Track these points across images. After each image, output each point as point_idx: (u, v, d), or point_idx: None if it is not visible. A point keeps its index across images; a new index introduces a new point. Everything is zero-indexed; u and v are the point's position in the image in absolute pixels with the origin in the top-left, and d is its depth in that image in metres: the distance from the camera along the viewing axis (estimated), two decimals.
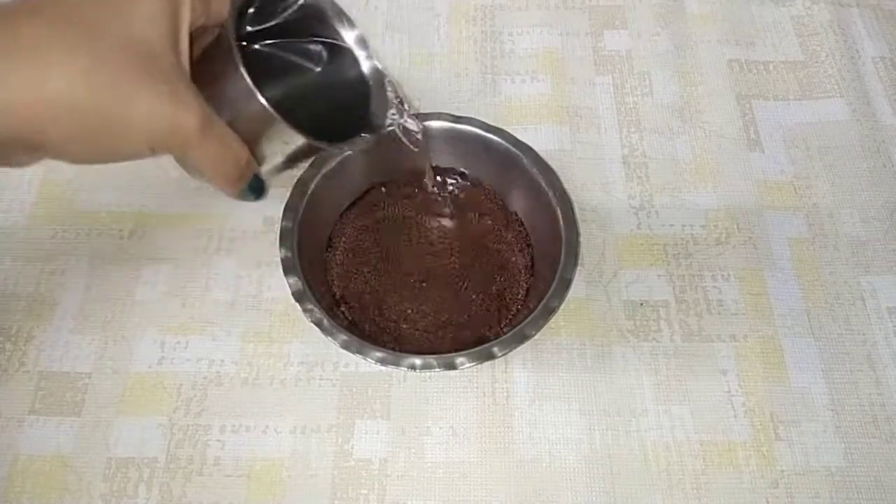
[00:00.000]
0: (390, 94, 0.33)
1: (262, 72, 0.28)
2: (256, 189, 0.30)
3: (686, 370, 0.38)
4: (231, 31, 0.26)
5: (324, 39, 0.32)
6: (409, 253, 0.41)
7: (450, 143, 0.40)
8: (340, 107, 0.33)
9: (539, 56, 0.49)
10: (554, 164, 0.38)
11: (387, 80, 0.33)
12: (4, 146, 0.23)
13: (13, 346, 0.38)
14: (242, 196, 0.30)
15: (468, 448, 0.36)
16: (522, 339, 0.33)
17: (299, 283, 0.34)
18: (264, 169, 0.30)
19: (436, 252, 0.41)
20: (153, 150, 0.25)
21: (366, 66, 0.33)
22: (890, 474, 0.36)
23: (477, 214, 0.42)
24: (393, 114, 0.33)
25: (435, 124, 0.40)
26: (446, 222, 0.42)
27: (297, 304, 0.34)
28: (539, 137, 0.45)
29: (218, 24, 0.27)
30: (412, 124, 0.35)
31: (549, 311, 0.34)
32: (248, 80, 0.25)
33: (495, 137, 0.39)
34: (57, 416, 0.37)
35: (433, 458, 0.36)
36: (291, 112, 0.27)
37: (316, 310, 0.34)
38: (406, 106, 0.34)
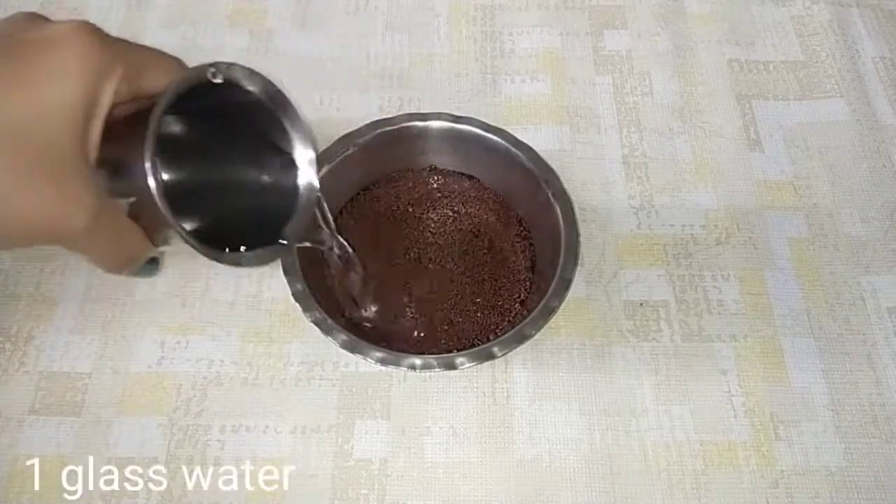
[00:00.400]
0: (321, 223, 0.32)
1: (184, 153, 0.27)
2: (150, 270, 0.29)
3: (686, 370, 0.38)
4: (154, 121, 0.23)
5: (272, 143, 0.30)
6: (409, 252, 0.41)
7: (450, 143, 0.40)
8: (257, 211, 0.31)
9: (539, 56, 0.49)
10: (554, 164, 0.38)
11: (323, 206, 0.31)
12: None
13: (13, 346, 0.38)
14: (134, 275, 0.29)
15: (468, 448, 0.36)
16: (522, 339, 0.33)
17: (299, 284, 0.34)
18: (162, 248, 0.29)
19: (436, 251, 0.41)
20: (36, 244, 0.24)
21: (303, 182, 0.30)
22: (890, 474, 0.36)
23: (477, 213, 0.42)
24: (322, 240, 0.32)
25: (435, 124, 0.40)
26: (446, 221, 0.42)
27: (298, 305, 0.34)
28: (539, 137, 0.45)
29: (150, 96, 0.25)
30: (338, 251, 0.34)
31: (549, 311, 0.34)
32: (151, 179, 0.23)
33: (495, 137, 0.39)
34: (57, 416, 0.37)
35: (433, 458, 0.36)
36: (196, 208, 0.26)
37: (316, 310, 0.34)
38: (334, 234, 0.33)
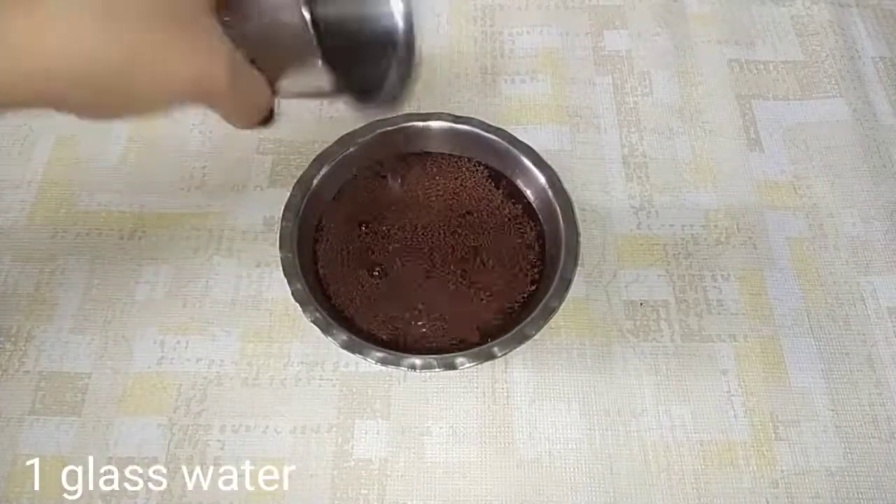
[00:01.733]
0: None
1: None
2: (268, 120, 0.28)
3: (686, 370, 0.38)
4: None
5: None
6: (409, 248, 0.41)
7: (450, 143, 0.40)
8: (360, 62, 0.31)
9: (539, 56, 0.49)
10: (554, 164, 0.38)
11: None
12: (16, 109, 0.21)
13: (13, 346, 0.38)
14: (257, 127, 0.28)
15: (468, 448, 0.36)
16: (522, 339, 0.33)
17: (299, 284, 0.34)
18: (278, 98, 0.28)
19: (436, 248, 0.41)
20: (175, 107, 0.23)
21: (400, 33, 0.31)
22: (890, 474, 0.36)
23: (479, 209, 0.42)
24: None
25: (435, 124, 0.40)
26: (447, 216, 0.42)
27: (298, 305, 0.34)
28: (539, 137, 0.45)
29: None
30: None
31: (549, 311, 0.34)
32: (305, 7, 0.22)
33: (495, 137, 0.39)
34: (57, 416, 0.37)
35: (433, 458, 0.36)
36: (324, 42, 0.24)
37: (316, 309, 0.34)
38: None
